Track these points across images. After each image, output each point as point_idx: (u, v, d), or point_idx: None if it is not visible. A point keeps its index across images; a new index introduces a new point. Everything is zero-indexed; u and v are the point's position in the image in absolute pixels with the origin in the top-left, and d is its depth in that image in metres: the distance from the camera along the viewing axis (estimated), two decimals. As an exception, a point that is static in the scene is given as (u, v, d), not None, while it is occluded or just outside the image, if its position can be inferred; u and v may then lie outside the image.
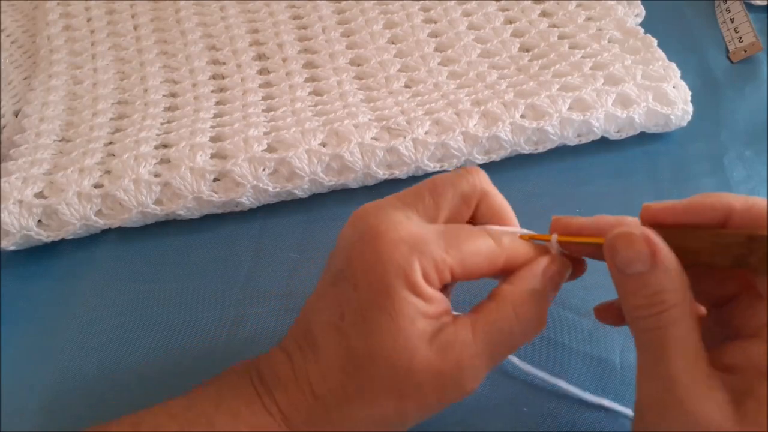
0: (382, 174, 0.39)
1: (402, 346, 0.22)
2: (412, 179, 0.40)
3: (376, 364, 0.22)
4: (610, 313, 0.28)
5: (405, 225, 0.23)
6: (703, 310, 0.26)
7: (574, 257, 0.26)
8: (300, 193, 0.39)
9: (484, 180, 0.26)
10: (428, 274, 0.23)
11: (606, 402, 0.31)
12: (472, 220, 0.27)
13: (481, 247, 0.24)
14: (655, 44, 0.44)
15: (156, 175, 0.37)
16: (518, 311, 0.24)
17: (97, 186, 0.36)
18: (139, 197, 0.36)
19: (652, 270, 0.22)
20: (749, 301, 0.23)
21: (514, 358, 0.32)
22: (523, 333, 0.24)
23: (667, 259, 0.22)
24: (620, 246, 0.22)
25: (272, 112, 0.41)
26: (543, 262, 0.25)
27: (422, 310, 0.22)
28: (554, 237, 0.25)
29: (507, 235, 0.25)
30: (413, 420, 0.24)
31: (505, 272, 0.25)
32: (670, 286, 0.22)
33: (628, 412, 0.30)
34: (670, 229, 0.23)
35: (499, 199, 0.26)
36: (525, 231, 0.26)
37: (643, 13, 0.49)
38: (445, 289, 0.24)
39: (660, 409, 0.22)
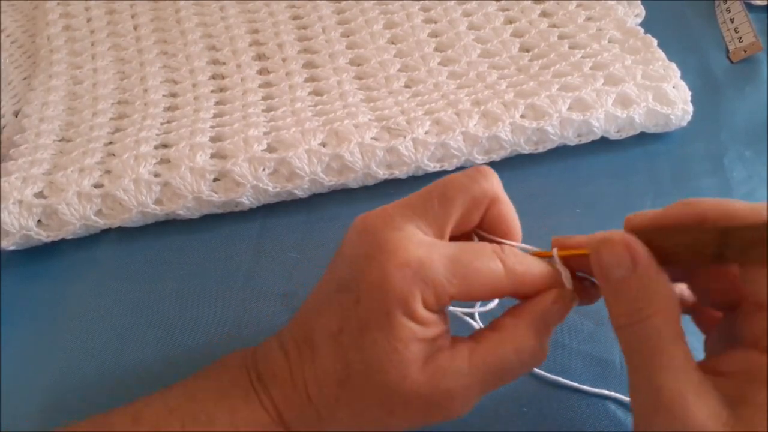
0: (382, 174, 0.39)
1: (395, 366, 0.23)
2: (412, 179, 0.40)
3: (369, 380, 0.23)
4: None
5: (413, 244, 0.23)
6: (717, 314, 0.26)
7: (582, 282, 0.26)
8: (300, 193, 0.39)
9: (496, 184, 0.26)
10: (427, 300, 0.23)
11: (606, 391, 0.31)
12: (478, 224, 0.27)
13: (488, 275, 0.24)
14: (655, 44, 0.44)
15: (156, 175, 0.37)
16: (519, 347, 0.24)
17: (97, 186, 0.36)
18: (139, 197, 0.36)
19: (633, 274, 0.22)
20: (750, 309, 0.23)
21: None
22: (522, 367, 0.24)
23: (647, 263, 0.22)
24: (603, 252, 0.23)
25: (272, 112, 0.41)
26: (549, 296, 0.25)
27: (418, 334, 0.23)
28: (555, 251, 0.25)
29: (517, 261, 0.24)
30: (399, 430, 0.25)
31: (508, 295, 0.25)
32: (652, 290, 0.22)
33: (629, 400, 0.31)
34: (649, 232, 0.23)
35: (507, 208, 0.26)
36: (528, 247, 0.26)
37: (643, 13, 0.49)
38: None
39: (651, 419, 0.22)
